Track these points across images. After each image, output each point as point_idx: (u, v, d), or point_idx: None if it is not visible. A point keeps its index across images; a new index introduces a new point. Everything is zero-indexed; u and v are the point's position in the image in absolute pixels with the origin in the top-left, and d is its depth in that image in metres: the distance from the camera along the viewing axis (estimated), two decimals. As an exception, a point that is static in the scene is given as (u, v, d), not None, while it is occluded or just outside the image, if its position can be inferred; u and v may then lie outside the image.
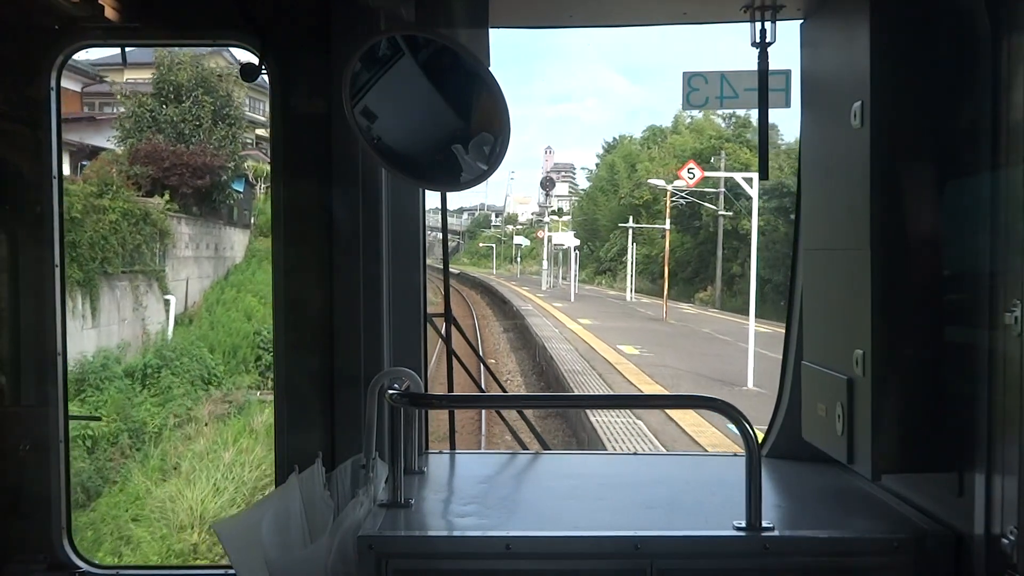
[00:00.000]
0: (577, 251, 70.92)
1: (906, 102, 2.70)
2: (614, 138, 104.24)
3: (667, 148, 79.55)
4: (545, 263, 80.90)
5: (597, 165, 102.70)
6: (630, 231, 62.29)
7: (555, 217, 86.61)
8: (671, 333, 39.52)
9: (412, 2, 3.19)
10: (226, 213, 44.97)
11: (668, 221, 52.99)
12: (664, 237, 54.53)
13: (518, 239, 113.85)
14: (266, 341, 32.82)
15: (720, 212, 59.34)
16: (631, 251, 63.33)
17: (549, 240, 78.68)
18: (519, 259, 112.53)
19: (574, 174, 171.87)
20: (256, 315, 37.20)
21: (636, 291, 68.10)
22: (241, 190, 46.56)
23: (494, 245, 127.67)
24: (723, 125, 76.76)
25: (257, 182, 48.91)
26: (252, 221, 49.06)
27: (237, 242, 46.68)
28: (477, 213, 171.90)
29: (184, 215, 38.42)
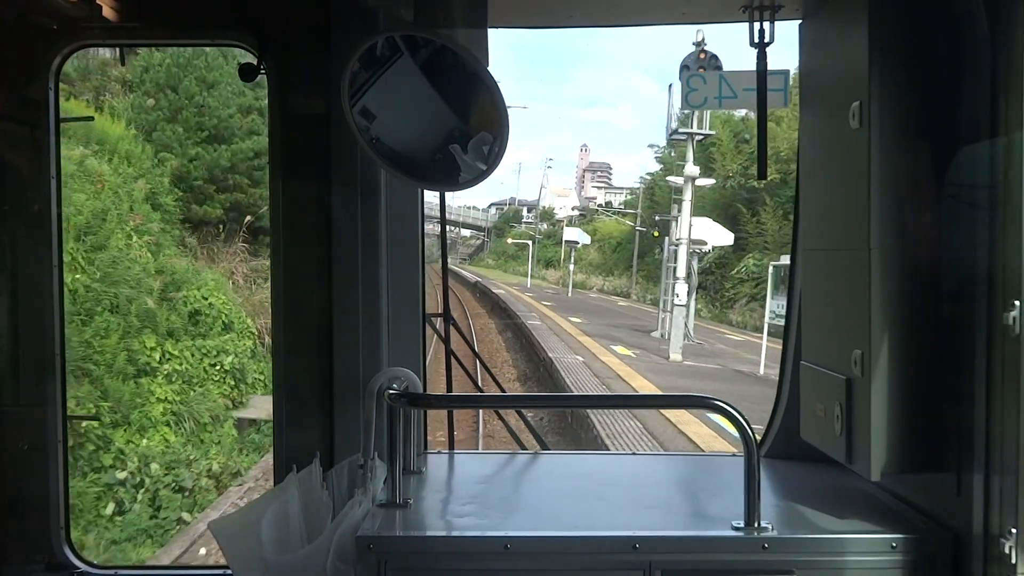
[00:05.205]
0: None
1: (905, 102, 2.70)
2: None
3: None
4: (681, 285, 31.96)
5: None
6: None
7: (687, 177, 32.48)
8: None
9: (411, 2, 3.19)
10: None
11: None
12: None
13: (571, 232, 71.71)
14: None
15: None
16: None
17: (672, 227, 35.02)
18: (571, 263, 71.73)
19: (610, 174, 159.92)
20: None
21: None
22: None
23: (529, 243, 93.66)
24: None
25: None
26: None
27: None
28: (506, 207, 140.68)
29: None
